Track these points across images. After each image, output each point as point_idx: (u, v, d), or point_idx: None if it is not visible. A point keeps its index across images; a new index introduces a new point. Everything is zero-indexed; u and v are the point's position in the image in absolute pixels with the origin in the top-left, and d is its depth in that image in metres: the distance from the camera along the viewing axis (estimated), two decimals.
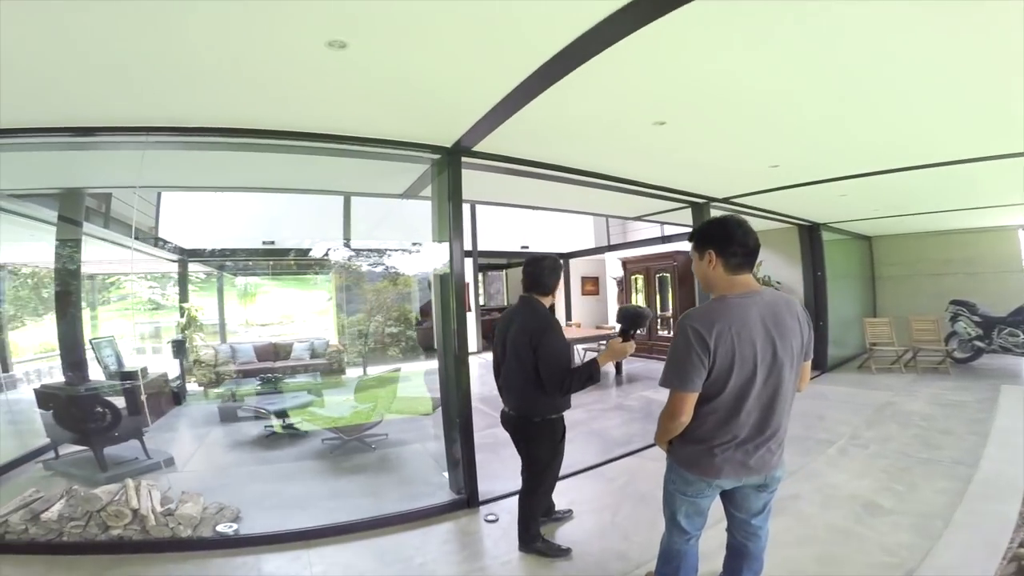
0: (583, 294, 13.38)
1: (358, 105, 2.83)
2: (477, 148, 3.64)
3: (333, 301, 11.29)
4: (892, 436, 4.84)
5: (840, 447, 4.61)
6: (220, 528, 3.33)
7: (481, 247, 11.64)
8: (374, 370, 9.66)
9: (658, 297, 10.24)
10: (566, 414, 2.87)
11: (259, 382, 6.97)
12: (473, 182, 4.73)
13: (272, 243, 9.70)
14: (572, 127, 3.32)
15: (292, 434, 5.66)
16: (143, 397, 6.20)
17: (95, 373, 7.49)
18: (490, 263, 15.41)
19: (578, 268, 13.25)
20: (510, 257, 13.42)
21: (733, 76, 2.53)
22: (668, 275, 9.98)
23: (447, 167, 3.67)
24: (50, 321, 10.09)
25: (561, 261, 2.86)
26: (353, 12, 1.87)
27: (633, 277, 10.77)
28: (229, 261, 10.97)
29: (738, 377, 1.72)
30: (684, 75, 2.53)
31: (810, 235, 8.38)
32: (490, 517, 3.38)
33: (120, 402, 4.63)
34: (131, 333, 11.31)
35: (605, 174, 4.65)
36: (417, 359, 11.22)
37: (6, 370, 8.85)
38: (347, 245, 10.30)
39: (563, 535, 3.17)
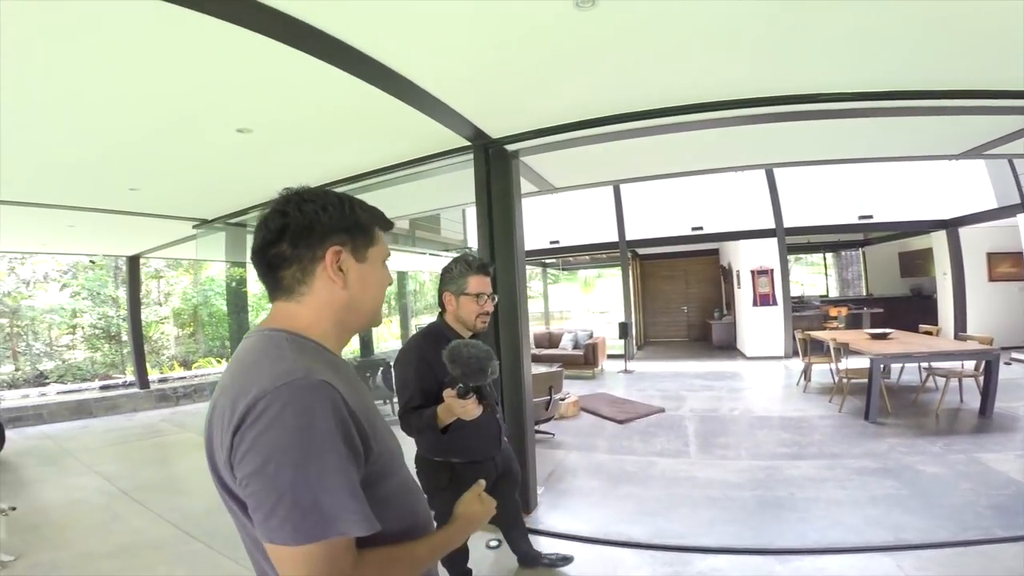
0: (991, 279, 8.74)
1: None
2: None
3: (633, 290, 11.13)
4: None
5: None
6: None
7: (797, 221, 9.24)
8: (637, 365, 9.19)
9: None
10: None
11: None
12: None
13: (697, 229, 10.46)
14: None
15: None
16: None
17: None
18: (842, 240, 11.97)
19: (976, 241, 8.71)
20: (842, 231, 10.08)
21: None
22: None
23: None
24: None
25: (464, 264, 2.05)
26: None
27: None
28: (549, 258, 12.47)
29: None
30: None
31: None
32: (492, 543, 2.92)
33: None
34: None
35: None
36: (697, 358, 9.92)
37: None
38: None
39: None
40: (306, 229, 0.85)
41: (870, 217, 9.20)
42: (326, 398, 0.74)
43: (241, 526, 0.81)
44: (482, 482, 1.10)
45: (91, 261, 10.04)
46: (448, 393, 1.58)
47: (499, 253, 3.31)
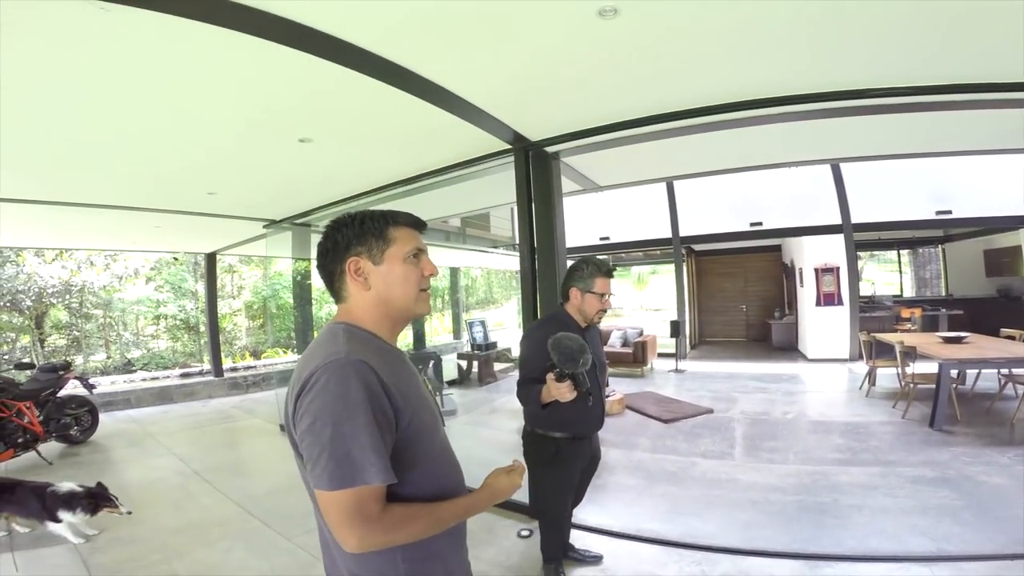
0: None
1: None
2: None
3: (686, 287, 10.83)
4: None
5: None
6: None
7: (867, 217, 8.71)
8: (689, 365, 9.00)
9: None
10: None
11: None
12: None
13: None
14: None
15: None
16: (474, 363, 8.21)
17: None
18: (918, 236, 11.13)
19: None
20: (917, 227, 9.36)
21: None
22: None
23: None
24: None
25: (594, 266, 2.35)
26: None
27: None
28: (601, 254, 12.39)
29: None
30: None
31: None
32: (524, 532, 3.05)
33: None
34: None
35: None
36: (754, 359, 9.55)
37: (457, 337, 13.15)
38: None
39: None
40: (331, 251, 1.11)
41: (949, 212, 8.55)
42: (359, 373, 0.94)
43: (304, 479, 1.02)
44: (519, 459, 1.26)
45: (174, 258, 10.97)
46: (550, 376, 1.89)
47: (540, 252, 3.39)
